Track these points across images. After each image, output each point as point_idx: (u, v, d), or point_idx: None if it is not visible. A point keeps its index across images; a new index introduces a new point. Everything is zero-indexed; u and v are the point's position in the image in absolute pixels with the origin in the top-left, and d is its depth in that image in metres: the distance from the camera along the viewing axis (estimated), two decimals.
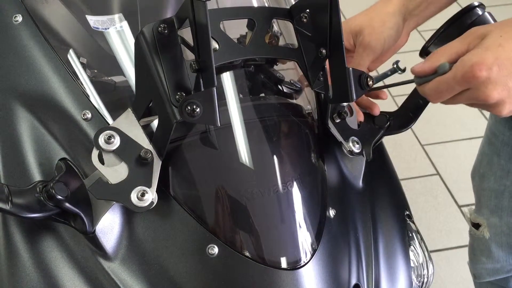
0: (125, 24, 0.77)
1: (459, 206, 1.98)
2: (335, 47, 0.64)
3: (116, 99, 0.78)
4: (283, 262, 0.62)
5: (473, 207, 1.18)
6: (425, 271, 0.79)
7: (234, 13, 0.67)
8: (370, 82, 0.66)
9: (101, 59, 0.84)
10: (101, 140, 0.58)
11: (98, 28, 0.78)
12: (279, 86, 0.83)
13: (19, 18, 0.70)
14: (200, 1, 0.54)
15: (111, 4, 0.86)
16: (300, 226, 0.66)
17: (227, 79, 0.73)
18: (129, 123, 0.60)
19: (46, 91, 0.66)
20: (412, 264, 0.78)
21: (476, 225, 1.14)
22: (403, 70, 0.75)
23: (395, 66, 0.75)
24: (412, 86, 0.82)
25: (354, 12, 0.79)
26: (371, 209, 0.77)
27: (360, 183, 0.77)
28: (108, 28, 0.77)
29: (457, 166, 2.13)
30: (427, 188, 2.06)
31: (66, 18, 0.83)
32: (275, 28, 0.84)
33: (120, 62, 0.75)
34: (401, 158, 2.15)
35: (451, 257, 1.82)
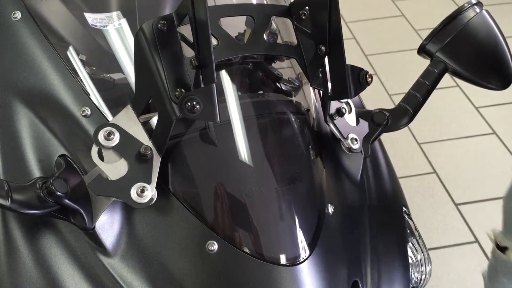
0: (124, 21, 0.77)
1: (456, 204, 1.99)
2: (334, 44, 0.64)
3: (115, 96, 0.78)
4: (282, 258, 0.62)
5: (497, 228, 1.14)
6: (423, 267, 0.79)
7: (234, 10, 0.67)
8: (369, 79, 0.67)
9: (99, 56, 0.84)
10: (101, 136, 0.58)
11: (96, 25, 0.78)
12: (278, 84, 0.83)
13: (18, 15, 0.70)
14: None
15: (109, 2, 0.86)
16: (299, 223, 0.66)
17: (226, 76, 0.73)
18: (128, 120, 0.60)
19: (45, 88, 0.66)
20: (410, 261, 0.78)
21: (502, 248, 1.10)
22: None
23: None
24: (410, 83, 0.82)
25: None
26: (369, 206, 0.77)
27: (359, 180, 0.77)
28: (106, 26, 0.77)
29: (453, 165, 2.14)
30: (424, 186, 2.07)
31: (64, 16, 0.83)
32: (273, 26, 0.85)
33: (119, 59, 0.75)
34: (398, 157, 2.16)
35: (447, 255, 1.82)
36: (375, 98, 2.29)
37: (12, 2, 0.71)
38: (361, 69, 0.66)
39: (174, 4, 0.91)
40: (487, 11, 0.84)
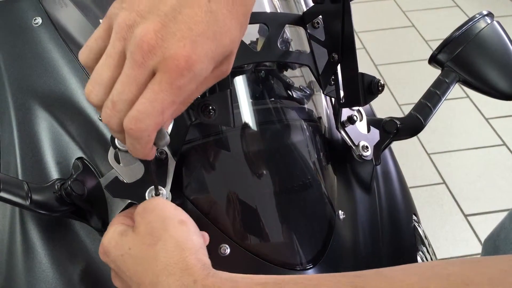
0: None
1: (465, 215, 1.99)
2: (347, 52, 0.65)
3: None
4: (294, 263, 0.63)
5: None
6: None
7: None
8: (381, 88, 0.67)
9: None
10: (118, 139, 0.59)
11: None
12: (290, 91, 0.84)
13: (39, 20, 0.72)
14: None
15: None
16: (310, 228, 0.67)
17: (240, 83, 0.75)
18: None
19: (64, 92, 0.68)
20: None
21: None
22: None
23: None
24: (420, 93, 0.83)
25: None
26: (379, 213, 0.78)
27: (369, 187, 0.78)
28: None
29: (463, 175, 2.14)
30: (433, 196, 2.07)
31: (82, 23, 0.85)
32: (287, 34, 0.86)
33: None
34: (407, 167, 2.16)
35: None
36: (385, 108, 2.30)
37: (33, 9, 0.73)
38: (373, 78, 0.67)
39: None
40: (498, 22, 0.85)
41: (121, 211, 0.60)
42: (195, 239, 0.52)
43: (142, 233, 0.52)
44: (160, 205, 0.54)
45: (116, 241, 0.53)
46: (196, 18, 0.42)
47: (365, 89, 0.66)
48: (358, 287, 0.43)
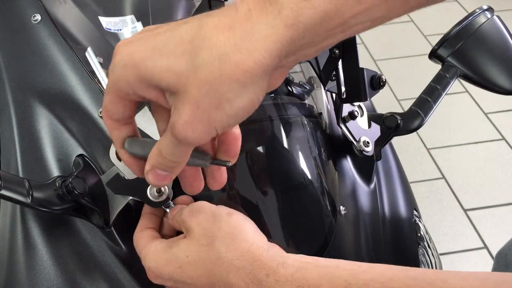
0: (139, 25, 0.78)
1: (465, 210, 1.99)
2: (348, 48, 0.65)
3: None
4: None
5: None
6: None
7: None
8: (382, 83, 0.67)
9: None
10: None
11: (110, 29, 0.79)
12: (289, 87, 0.84)
13: (38, 17, 0.72)
14: (218, 1, 0.55)
15: (123, 6, 0.87)
16: (312, 224, 0.67)
17: None
18: (146, 121, 0.61)
19: (64, 88, 0.68)
20: (421, 264, 0.78)
21: None
22: None
23: None
24: (419, 88, 0.83)
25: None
26: (380, 208, 0.78)
27: (370, 183, 0.78)
28: (120, 29, 0.78)
29: (462, 170, 2.14)
30: (433, 191, 2.07)
31: (80, 19, 0.84)
32: None
33: None
34: (406, 162, 2.15)
35: (456, 261, 1.82)
36: (384, 103, 2.29)
37: (32, 6, 0.72)
38: (375, 73, 0.67)
39: (187, 8, 0.92)
40: (498, 16, 0.85)
41: (120, 209, 0.60)
42: (248, 226, 0.52)
43: (196, 236, 0.51)
44: (204, 204, 0.54)
45: (165, 258, 0.52)
46: None
47: (366, 84, 0.66)
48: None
